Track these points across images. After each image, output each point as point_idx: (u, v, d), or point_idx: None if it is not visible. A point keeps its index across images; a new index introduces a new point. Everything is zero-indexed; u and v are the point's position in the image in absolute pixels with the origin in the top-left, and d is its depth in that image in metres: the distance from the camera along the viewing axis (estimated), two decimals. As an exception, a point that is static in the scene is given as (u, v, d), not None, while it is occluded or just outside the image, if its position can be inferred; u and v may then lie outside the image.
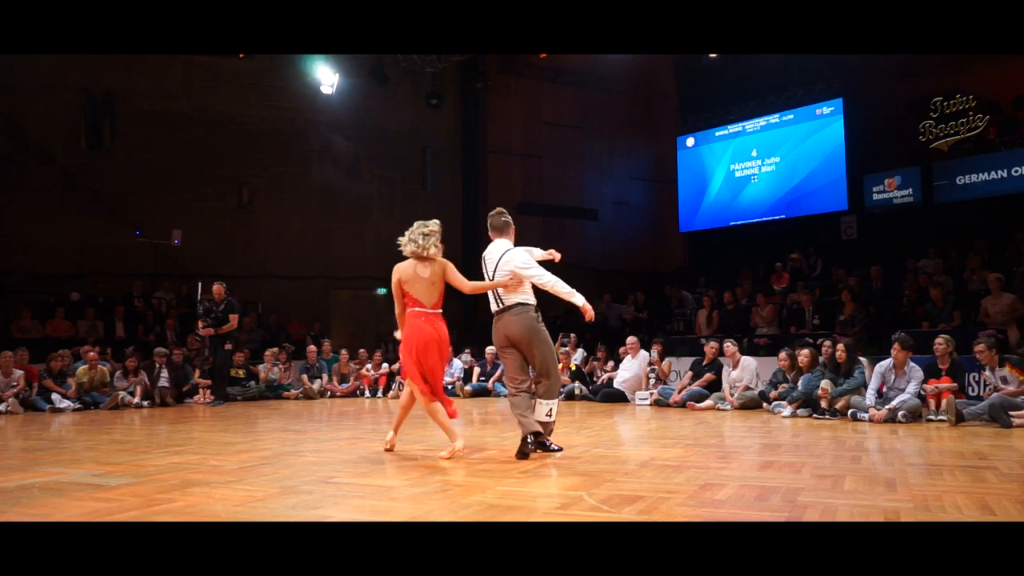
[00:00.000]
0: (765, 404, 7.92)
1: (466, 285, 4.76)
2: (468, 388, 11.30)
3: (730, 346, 8.73)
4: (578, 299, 4.69)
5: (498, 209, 4.99)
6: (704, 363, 8.99)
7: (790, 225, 14.50)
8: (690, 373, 9.07)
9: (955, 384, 6.68)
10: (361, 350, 11.96)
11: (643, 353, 9.81)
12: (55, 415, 8.68)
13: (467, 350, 12.45)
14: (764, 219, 14.96)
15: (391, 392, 11.33)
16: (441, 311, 4.78)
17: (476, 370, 11.74)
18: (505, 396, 10.97)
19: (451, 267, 4.78)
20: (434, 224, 4.82)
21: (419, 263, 4.72)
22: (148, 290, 13.26)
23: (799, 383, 7.55)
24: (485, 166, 16.80)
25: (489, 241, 4.97)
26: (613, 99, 17.45)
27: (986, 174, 12.13)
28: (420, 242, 4.69)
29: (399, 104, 15.67)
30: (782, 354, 8.04)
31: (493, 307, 4.75)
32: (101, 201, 13.38)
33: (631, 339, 9.98)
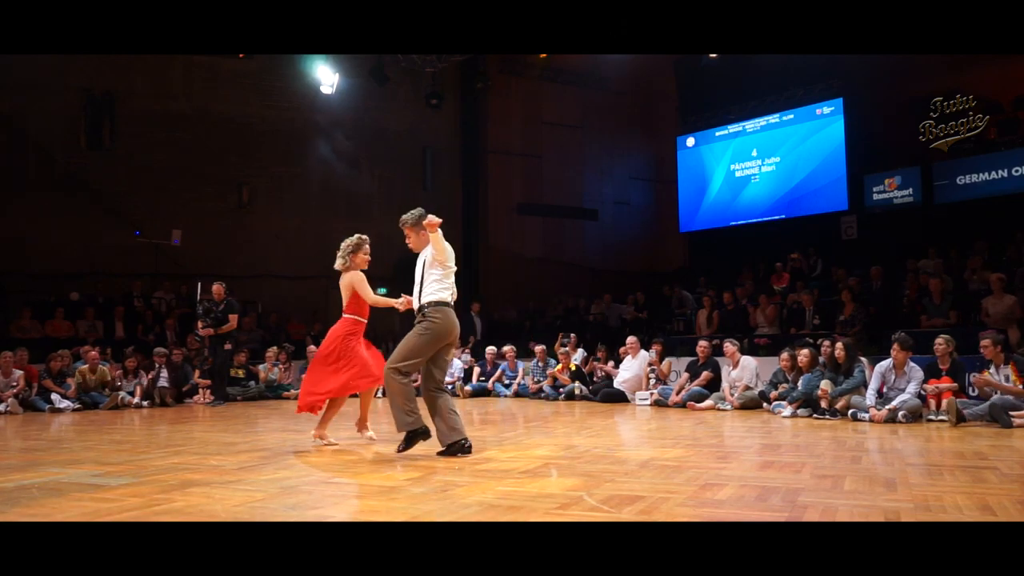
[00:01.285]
0: (765, 404, 7.92)
1: (369, 298, 5.24)
2: (468, 388, 11.30)
3: (729, 346, 8.73)
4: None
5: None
6: (699, 363, 8.99)
7: (790, 225, 14.50)
8: (686, 374, 9.07)
9: (955, 384, 6.68)
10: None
11: (643, 353, 9.81)
12: (55, 415, 8.68)
13: (467, 350, 12.44)
14: (764, 219, 14.96)
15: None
16: (348, 316, 5.31)
17: (476, 370, 11.74)
18: (505, 396, 11.04)
19: (357, 280, 5.24)
20: (353, 238, 5.32)
21: (343, 272, 5.30)
22: (148, 290, 13.26)
23: (799, 383, 7.55)
24: (485, 166, 16.81)
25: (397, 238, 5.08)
26: (613, 99, 17.45)
27: (986, 174, 12.13)
28: (338, 254, 5.29)
29: (399, 104, 15.67)
30: (784, 354, 8.04)
31: (452, 300, 4.78)
32: (101, 201, 13.38)
33: (631, 339, 9.97)
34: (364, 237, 5.36)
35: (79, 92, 13.34)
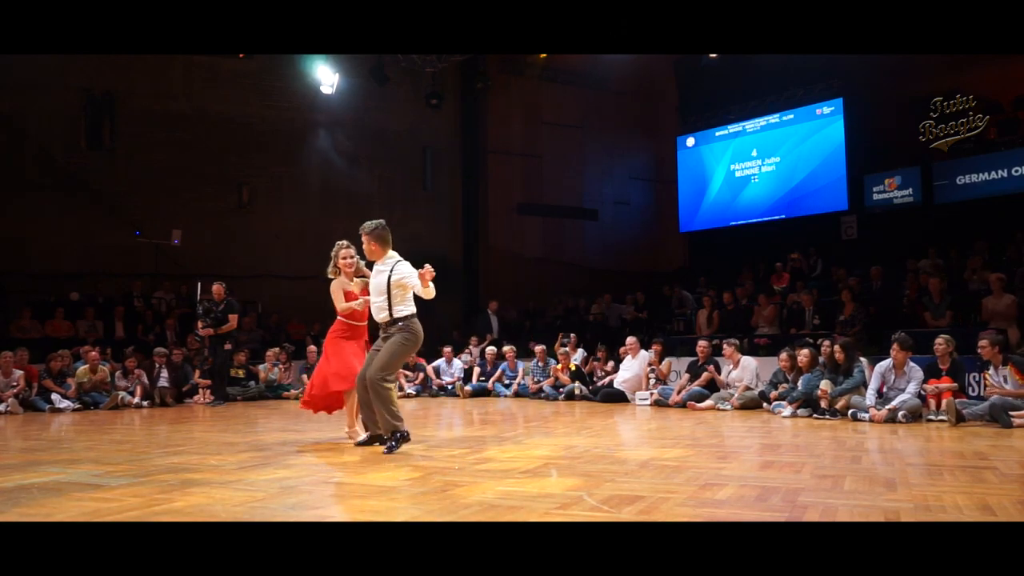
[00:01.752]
0: (765, 404, 7.92)
1: (339, 307, 5.40)
2: (468, 388, 11.29)
3: (728, 347, 8.73)
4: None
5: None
6: (699, 364, 8.99)
7: (790, 225, 14.49)
8: (687, 375, 9.07)
9: (955, 384, 6.68)
10: (361, 350, 11.94)
11: (643, 353, 9.81)
12: (55, 415, 8.68)
13: (468, 350, 12.43)
14: (764, 219, 14.96)
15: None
16: (340, 319, 5.45)
17: (476, 370, 11.74)
18: (505, 396, 11.04)
19: (332, 289, 5.43)
20: (335, 247, 5.51)
21: None
22: (148, 290, 13.25)
23: (799, 383, 7.55)
24: (485, 166, 16.80)
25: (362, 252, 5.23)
26: (613, 99, 17.44)
27: (986, 174, 12.13)
28: None
29: (399, 104, 15.66)
30: (782, 354, 8.04)
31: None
32: (101, 201, 13.37)
33: (631, 339, 9.97)
34: (340, 243, 5.51)
35: (79, 92, 13.33)
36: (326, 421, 7.68)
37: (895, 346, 6.81)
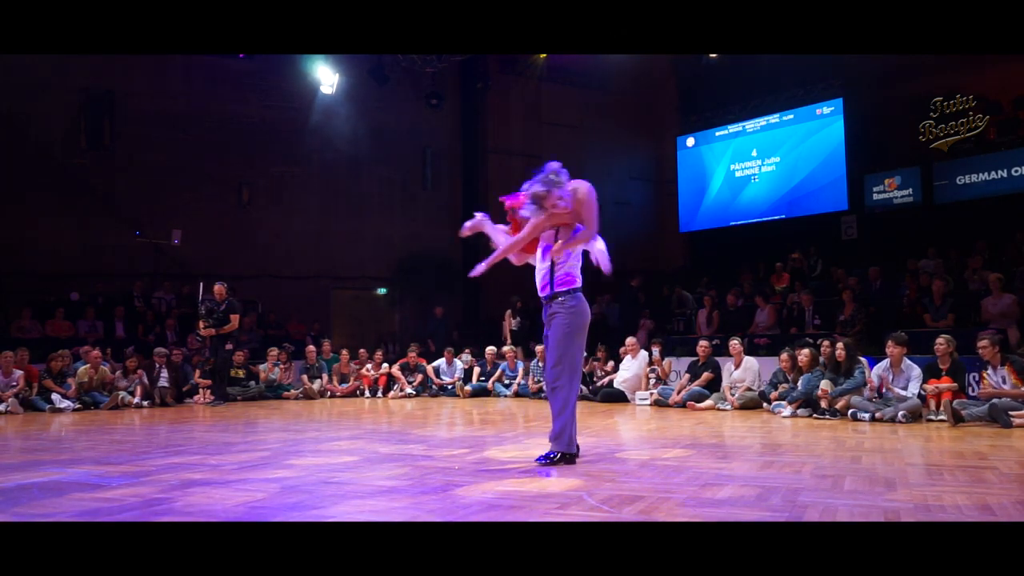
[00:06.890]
0: (765, 404, 7.92)
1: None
2: (468, 388, 11.29)
3: (736, 344, 8.72)
4: None
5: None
6: (699, 364, 8.99)
7: (790, 225, 14.49)
8: (687, 375, 9.07)
9: (955, 384, 6.67)
10: (361, 350, 11.96)
11: (643, 353, 9.81)
12: (55, 415, 8.68)
13: (467, 350, 12.44)
14: (764, 219, 14.95)
15: (391, 392, 11.34)
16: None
17: (476, 370, 11.74)
18: (504, 396, 11.04)
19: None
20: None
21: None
22: (148, 290, 13.25)
23: (799, 383, 7.56)
24: (485, 166, 16.79)
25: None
26: (613, 99, 17.43)
27: (986, 174, 12.13)
28: None
29: (399, 104, 15.65)
30: (782, 354, 8.04)
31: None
32: (101, 201, 13.37)
33: (631, 339, 9.97)
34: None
35: (79, 92, 13.33)
36: (325, 421, 7.68)
37: (890, 343, 6.83)
